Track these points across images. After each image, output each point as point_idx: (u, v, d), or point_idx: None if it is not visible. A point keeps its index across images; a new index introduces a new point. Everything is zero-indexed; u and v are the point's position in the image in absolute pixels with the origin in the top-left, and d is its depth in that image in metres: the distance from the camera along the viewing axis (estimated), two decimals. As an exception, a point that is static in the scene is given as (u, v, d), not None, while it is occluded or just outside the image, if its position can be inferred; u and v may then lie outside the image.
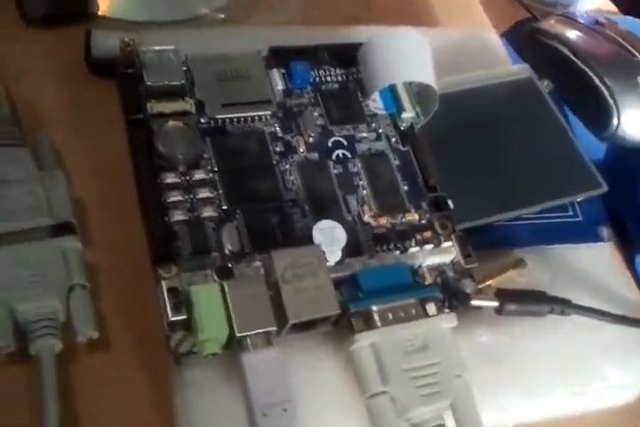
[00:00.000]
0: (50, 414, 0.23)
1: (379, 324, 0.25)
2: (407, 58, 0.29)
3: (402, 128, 0.31)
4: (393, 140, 0.31)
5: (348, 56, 0.31)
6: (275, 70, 0.31)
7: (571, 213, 0.33)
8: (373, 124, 0.31)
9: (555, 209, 0.33)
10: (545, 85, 0.36)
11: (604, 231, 0.33)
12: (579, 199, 0.33)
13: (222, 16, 0.38)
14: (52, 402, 0.23)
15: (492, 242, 0.31)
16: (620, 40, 0.38)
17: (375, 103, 0.31)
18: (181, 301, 0.24)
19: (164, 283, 0.24)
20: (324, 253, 0.26)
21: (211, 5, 0.38)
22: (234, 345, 0.24)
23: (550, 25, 0.41)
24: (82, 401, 0.25)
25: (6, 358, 0.24)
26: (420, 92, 0.31)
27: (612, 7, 0.48)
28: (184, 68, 0.29)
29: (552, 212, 0.32)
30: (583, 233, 0.33)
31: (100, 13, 0.35)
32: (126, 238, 0.27)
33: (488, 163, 0.33)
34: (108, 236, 0.28)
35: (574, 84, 0.37)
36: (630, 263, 0.35)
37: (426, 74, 0.29)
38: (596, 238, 0.33)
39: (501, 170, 0.33)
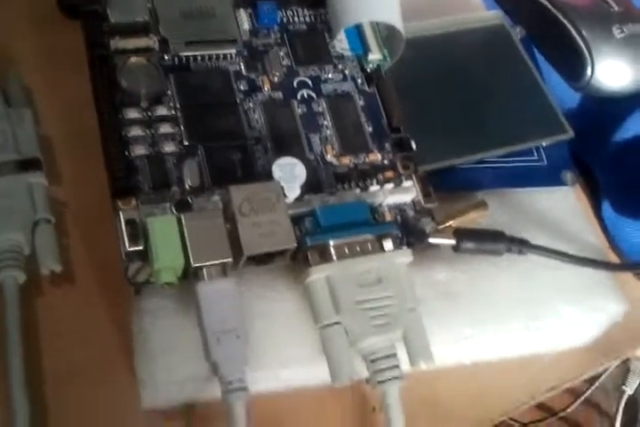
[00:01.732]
0: (12, 345, 0.24)
1: (334, 257, 0.25)
2: (373, -2, 0.29)
3: (368, 70, 0.31)
4: (359, 81, 0.31)
5: (316, -3, 0.31)
6: (242, 10, 0.30)
7: (535, 157, 0.33)
8: (340, 66, 0.31)
9: (519, 153, 0.33)
10: (517, 32, 0.36)
11: (568, 176, 0.33)
12: (544, 144, 0.33)
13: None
14: (14, 333, 0.24)
15: (456, 184, 0.31)
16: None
17: (341, 44, 0.31)
18: (139, 232, 0.24)
19: (121, 213, 0.25)
20: (282, 188, 0.26)
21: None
22: (190, 275, 0.24)
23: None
24: (45, 332, 0.25)
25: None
26: (388, 35, 0.31)
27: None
28: (149, 5, 0.29)
29: (517, 156, 0.33)
30: (547, 177, 0.33)
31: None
32: (92, 174, 0.27)
33: (456, 107, 0.33)
34: (74, 172, 0.28)
35: (549, 32, 0.37)
36: (596, 208, 0.35)
37: (391, 15, 0.29)
38: (560, 183, 0.33)
39: (469, 114, 0.33)
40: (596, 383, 0.56)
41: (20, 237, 0.25)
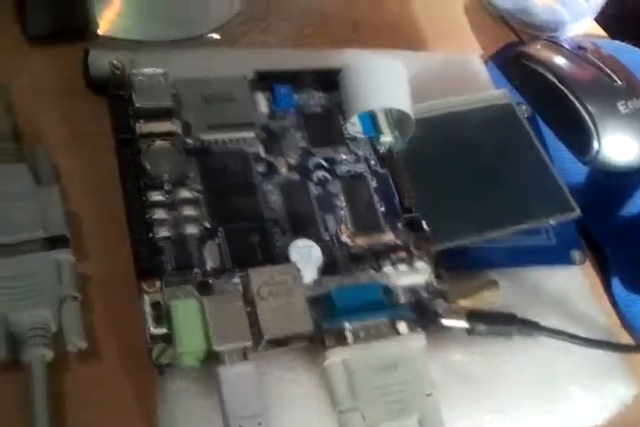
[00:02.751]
0: (39, 421, 0.24)
1: (350, 341, 0.26)
2: (383, 84, 0.31)
3: (380, 151, 0.32)
4: (372, 162, 0.32)
5: (330, 80, 0.33)
6: (259, 93, 0.32)
7: (544, 236, 0.34)
8: (353, 147, 0.32)
9: (529, 232, 0.33)
10: (523, 110, 0.38)
11: (577, 255, 0.34)
12: (552, 223, 0.34)
13: (218, 37, 0.40)
14: (41, 409, 0.24)
15: (466, 264, 0.32)
16: (602, 65, 0.40)
17: (355, 127, 0.32)
18: (163, 314, 0.25)
19: (146, 297, 0.25)
20: (299, 271, 0.27)
21: (207, 26, 0.39)
22: (212, 358, 0.25)
23: (535, 49, 0.42)
24: (71, 409, 0.26)
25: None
26: (399, 118, 0.32)
27: (601, 31, 0.50)
28: (172, 91, 0.30)
29: (526, 235, 0.33)
30: (556, 256, 0.34)
31: (99, 32, 0.36)
32: (117, 250, 0.28)
33: (466, 186, 0.34)
34: (100, 247, 0.29)
35: (557, 108, 0.39)
36: (606, 286, 0.36)
37: (402, 100, 0.31)
38: (569, 262, 0.34)
39: (478, 193, 0.34)
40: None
41: (47, 315, 0.26)
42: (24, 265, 0.26)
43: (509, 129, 0.37)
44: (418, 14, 0.45)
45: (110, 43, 0.36)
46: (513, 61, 0.42)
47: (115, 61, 0.29)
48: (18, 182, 0.28)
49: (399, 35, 0.43)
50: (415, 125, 0.31)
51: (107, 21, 0.37)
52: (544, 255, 0.34)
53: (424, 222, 0.30)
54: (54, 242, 0.27)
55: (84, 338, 0.26)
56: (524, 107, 0.38)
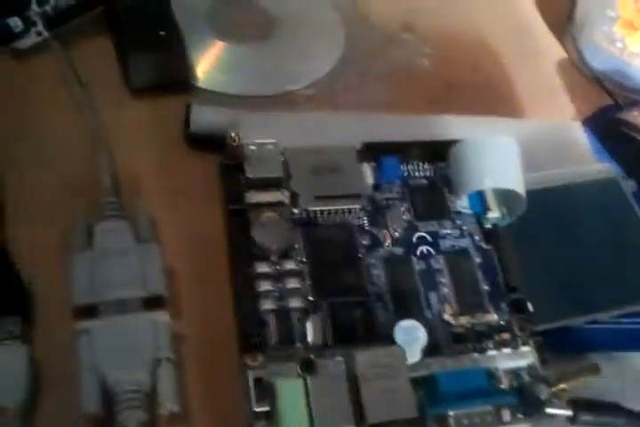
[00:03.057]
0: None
1: (453, 428, 0.25)
2: (498, 164, 0.30)
3: (486, 227, 0.31)
4: (476, 238, 0.31)
5: (437, 151, 0.33)
6: (365, 164, 0.32)
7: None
8: (458, 221, 0.32)
9: (635, 314, 0.32)
10: (630, 186, 0.37)
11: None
12: None
13: (313, 92, 0.40)
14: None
15: (569, 345, 0.31)
16: None
17: (462, 202, 0.32)
18: (266, 392, 0.25)
19: (250, 373, 0.25)
20: (405, 353, 0.26)
21: (303, 81, 0.40)
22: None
23: (634, 117, 0.41)
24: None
25: (92, 424, 0.26)
26: (508, 195, 0.32)
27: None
28: (282, 159, 0.30)
29: (633, 317, 0.32)
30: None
31: (197, 85, 0.37)
32: (214, 312, 0.28)
33: (570, 263, 0.33)
34: (197, 307, 0.29)
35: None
36: None
37: (515, 181, 0.30)
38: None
39: (582, 271, 0.33)
40: None
41: (142, 376, 0.26)
42: (122, 325, 0.27)
43: (615, 205, 0.36)
44: (510, 74, 0.44)
45: (206, 95, 0.37)
46: (610, 127, 0.41)
47: (232, 134, 0.29)
48: (119, 240, 0.29)
49: (492, 95, 0.43)
50: (526, 204, 0.31)
51: (202, 74, 0.38)
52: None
53: (529, 304, 0.30)
54: (152, 302, 0.28)
55: (178, 401, 0.26)
56: (630, 182, 0.37)
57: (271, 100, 0.39)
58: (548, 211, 0.34)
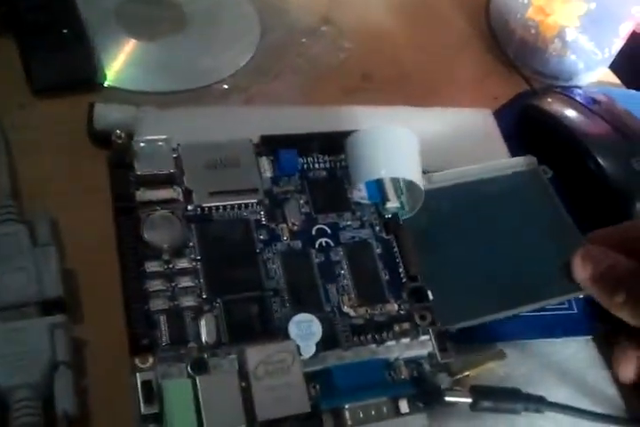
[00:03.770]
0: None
1: (349, 422, 0.25)
2: (393, 154, 0.30)
3: (386, 217, 0.31)
4: (377, 228, 0.31)
5: (336, 144, 0.32)
6: (264, 158, 0.31)
7: (566, 305, 0.33)
8: (358, 213, 0.31)
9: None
10: (543, 171, 0.36)
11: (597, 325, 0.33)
12: (580, 296, 0.32)
13: (226, 87, 0.40)
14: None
15: (479, 337, 0.30)
16: (615, 121, 0.39)
17: (360, 193, 0.31)
18: (154, 393, 0.24)
19: (138, 375, 0.25)
20: (298, 348, 0.26)
21: (215, 77, 0.39)
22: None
23: (547, 103, 0.41)
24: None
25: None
26: (408, 187, 0.31)
27: (616, 79, 0.49)
28: (174, 155, 0.29)
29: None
30: (577, 326, 0.32)
31: (109, 83, 0.37)
32: (112, 314, 0.27)
33: (488, 258, 0.32)
34: (96, 310, 0.29)
35: (567, 163, 0.38)
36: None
37: (412, 170, 0.30)
38: (591, 332, 0.32)
39: (501, 266, 0.32)
40: None
41: (39, 381, 0.26)
42: (17, 331, 0.26)
43: (534, 197, 0.35)
44: (430, 65, 0.44)
45: (114, 93, 0.36)
46: (524, 113, 0.41)
47: (118, 131, 0.28)
48: (14, 244, 0.28)
49: (411, 86, 0.43)
50: (424, 195, 0.30)
51: (113, 72, 0.37)
52: (565, 326, 0.32)
53: (429, 292, 0.30)
54: (49, 306, 0.27)
55: (76, 406, 0.26)
56: (542, 167, 0.36)
57: (185, 96, 0.38)
58: (466, 205, 0.33)
